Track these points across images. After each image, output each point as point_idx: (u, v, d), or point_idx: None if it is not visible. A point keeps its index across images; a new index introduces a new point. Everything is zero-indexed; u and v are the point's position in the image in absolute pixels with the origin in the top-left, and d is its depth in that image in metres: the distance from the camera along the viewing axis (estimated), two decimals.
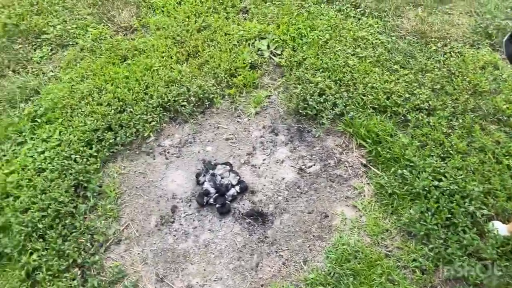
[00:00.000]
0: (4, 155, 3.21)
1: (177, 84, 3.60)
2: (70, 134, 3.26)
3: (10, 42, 4.05)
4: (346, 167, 3.19)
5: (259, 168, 3.22)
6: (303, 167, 3.21)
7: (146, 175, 3.22)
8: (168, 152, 3.35)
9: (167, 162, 3.29)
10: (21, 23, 4.17)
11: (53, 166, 3.08)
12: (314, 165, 3.22)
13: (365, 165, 3.19)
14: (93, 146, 3.23)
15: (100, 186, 3.12)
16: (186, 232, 2.91)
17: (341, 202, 3.01)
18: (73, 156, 3.14)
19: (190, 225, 2.94)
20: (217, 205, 2.96)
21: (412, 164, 3.01)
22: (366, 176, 3.13)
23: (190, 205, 3.03)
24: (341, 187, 3.09)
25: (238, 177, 3.08)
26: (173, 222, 2.96)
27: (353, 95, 3.43)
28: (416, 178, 2.93)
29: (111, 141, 3.26)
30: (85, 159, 3.14)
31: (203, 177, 3.10)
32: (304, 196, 3.05)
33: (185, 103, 3.51)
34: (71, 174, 3.06)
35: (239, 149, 3.35)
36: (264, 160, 3.27)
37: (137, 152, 3.34)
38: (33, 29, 4.12)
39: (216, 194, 2.99)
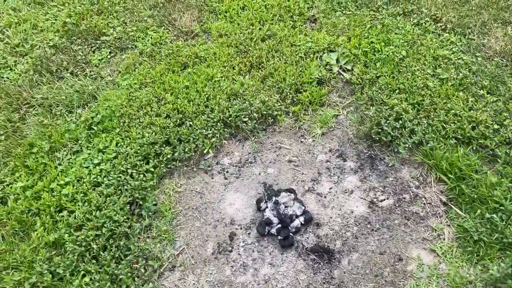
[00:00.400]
0: (60, 164, 3.09)
1: (240, 98, 3.37)
2: (127, 146, 3.10)
3: (70, 42, 3.95)
4: (424, 203, 2.87)
5: (325, 197, 2.95)
6: (374, 200, 2.92)
7: (204, 195, 3.02)
8: (227, 172, 3.13)
9: (226, 183, 3.07)
10: (81, 23, 4.07)
11: (109, 180, 2.93)
12: (387, 198, 2.92)
13: (445, 204, 2.86)
14: (150, 160, 3.06)
15: (155, 204, 2.95)
16: (244, 264, 2.68)
17: (418, 244, 2.70)
18: (129, 171, 2.98)
19: (249, 256, 2.71)
20: (280, 237, 2.72)
21: (502, 208, 2.66)
22: (447, 217, 2.80)
23: (249, 234, 2.81)
24: (418, 227, 2.77)
25: (303, 207, 2.82)
26: (231, 251, 2.74)
27: (434, 122, 3.09)
28: (508, 225, 2.58)
29: (168, 156, 3.07)
30: (141, 175, 2.98)
31: (264, 203, 2.86)
32: (375, 234, 2.76)
33: (247, 119, 3.28)
34: (126, 190, 2.89)
35: (302, 173, 3.09)
36: (330, 188, 3.00)
37: (194, 169, 3.15)
38: (93, 29, 4.00)
39: (279, 225, 2.74)
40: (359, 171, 3.07)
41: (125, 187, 2.91)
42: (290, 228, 2.74)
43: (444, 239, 2.70)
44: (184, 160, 3.15)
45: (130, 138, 3.16)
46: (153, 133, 3.15)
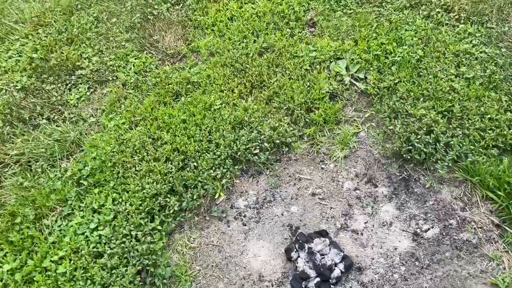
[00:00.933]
0: (50, 233, 2.64)
1: (246, 127, 2.96)
2: (126, 203, 2.67)
3: (40, 82, 3.46)
4: (474, 228, 2.53)
5: (361, 234, 2.59)
6: (418, 230, 2.56)
7: (222, 249, 2.62)
8: (244, 216, 2.73)
9: (245, 230, 2.68)
10: (51, 57, 3.56)
11: (112, 248, 2.50)
12: (432, 227, 2.56)
13: (498, 226, 2.52)
14: (156, 217, 2.64)
15: (168, 266, 2.54)
16: None
17: (477, 279, 2.36)
18: (133, 233, 2.55)
19: None
20: None
21: None
22: (503, 242, 2.46)
23: None
24: (472, 258, 2.43)
25: (341, 252, 2.45)
26: None
27: (469, 131, 2.74)
28: None
29: (176, 208, 2.66)
30: (148, 236, 2.56)
31: (295, 252, 2.48)
32: (426, 272, 2.41)
33: (257, 151, 2.88)
34: (133, 257, 2.47)
35: (331, 207, 2.72)
36: (366, 222, 2.63)
37: (207, 218, 2.74)
38: (65, 63, 3.51)
39: (317, 279, 2.37)
40: (394, 197, 2.71)
41: (131, 254, 2.48)
42: (330, 280, 2.37)
43: (504, 269, 2.37)
44: (194, 209, 2.74)
45: (128, 192, 2.72)
46: (154, 183, 2.72)
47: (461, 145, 2.69)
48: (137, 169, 2.82)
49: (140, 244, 2.51)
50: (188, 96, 3.20)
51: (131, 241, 2.52)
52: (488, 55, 3.15)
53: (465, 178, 2.66)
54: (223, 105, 3.10)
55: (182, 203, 2.69)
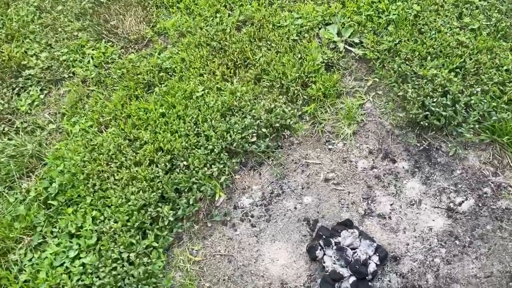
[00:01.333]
0: (20, 271, 2.15)
1: (238, 113, 2.55)
2: (109, 220, 2.22)
3: None
4: (511, 193, 2.26)
5: (389, 218, 2.26)
6: (451, 205, 2.26)
7: (233, 258, 2.22)
8: (252, 216, 2.34)
9: (256, 232, 2.29)
10: None
11: (101, 278, 2.05)
12: (466, 199, 2.27)
13: None
14: (148, 232, 2.20)
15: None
16: None
17: None
18: (124, 255, 2.11)
19: None
20: None
21: None
22: None
23: None
24: None
25: (374, 243, 2.11)
26: None
27: (488, 86, 2.45)
28: None
29: (170, 218, 2.23)
30: (143, 257, 2.12)
31: (320, 251, 2.12)
32: (469, 251, 2.12)
33: (255, 138, 2.48)
34: (129, 285, 2.04)
35: (348, 192, 2.37)
36: (392, 204, 2.30)
37: (208, 225, 2.33)
38: (7, 64, 2.94)
39: (353, 278, 2.02)
40: (417, 171, 2.39)
41: (126, 281, 2.05)
42: (367, 277, 2.03)
43: None
44: (191, 216, 2.32)
45: (110, 207, 2.26)
46: (140, 191, 2.27)
47: (481, 103, 2.40)
48: (116, 178, 2.35)
49: (135, 268, 2.07)
50: (163, 85, 2.74)
51: (123, 265, 2.08)
52: (488, 2, 2.87)
53: (492, 139, 2.38)
54: (206, 91, 2.67)
55: (177, 211, 2.26)
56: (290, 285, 2.11)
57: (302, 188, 2.41)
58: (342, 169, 2.46)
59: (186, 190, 2.32)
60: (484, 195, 2.27)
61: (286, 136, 2.56)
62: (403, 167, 2.41)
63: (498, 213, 2.21)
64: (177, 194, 2.31)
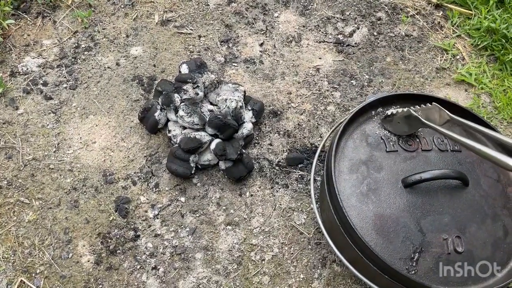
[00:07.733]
0: None
1: None
2: None
3: None
4: (410, 17, 1.71)
5: (261, 62, 1.54)
6: (339, 37, 1.63)
7: (15, 151, 1.30)
8: (45, 84, 1.42)
9: (54, 106, 1.39)
10: None
11: None
12: (358, 28, 1.66)
13: (438, 6, 1.75)
14: None
15: None
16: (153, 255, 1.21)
17: (436, 81, 1.58)
18: None
19: (174, 230, 1.23)
20: (225, 166, 1.27)
21: None
22: (450, 24, 1.71)
23: (149, 185, 1.28)
24: (420, 56, 1.63)
25: (241, 86, 1.37)
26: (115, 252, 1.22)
27: None
28: None
29: None
30: None
31: (160, 113, 1.31)
32: (370, 90, 1.53)
33: None
34: None
35: (198, 36, 1.58)
36: (262, 44, 1.58)
37: None
38: None
39: (218, 140, 1.27)
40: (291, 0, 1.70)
41: None
42: (236, 137, 1.30)
43: (463, 59, 1.63)
44: None
45: None
46: None
47: None
48: None
49: None
50: None
51: None
52: None
53: None
54: None
55: None
56: (119, 175, 1.28)
57: (128, 36, 1.54)
58: (187, 8, 1.65)
59: None
60: (378, 22, 1.68)
61: None
62: None
63: (398, 41, 1.65)
64: None
